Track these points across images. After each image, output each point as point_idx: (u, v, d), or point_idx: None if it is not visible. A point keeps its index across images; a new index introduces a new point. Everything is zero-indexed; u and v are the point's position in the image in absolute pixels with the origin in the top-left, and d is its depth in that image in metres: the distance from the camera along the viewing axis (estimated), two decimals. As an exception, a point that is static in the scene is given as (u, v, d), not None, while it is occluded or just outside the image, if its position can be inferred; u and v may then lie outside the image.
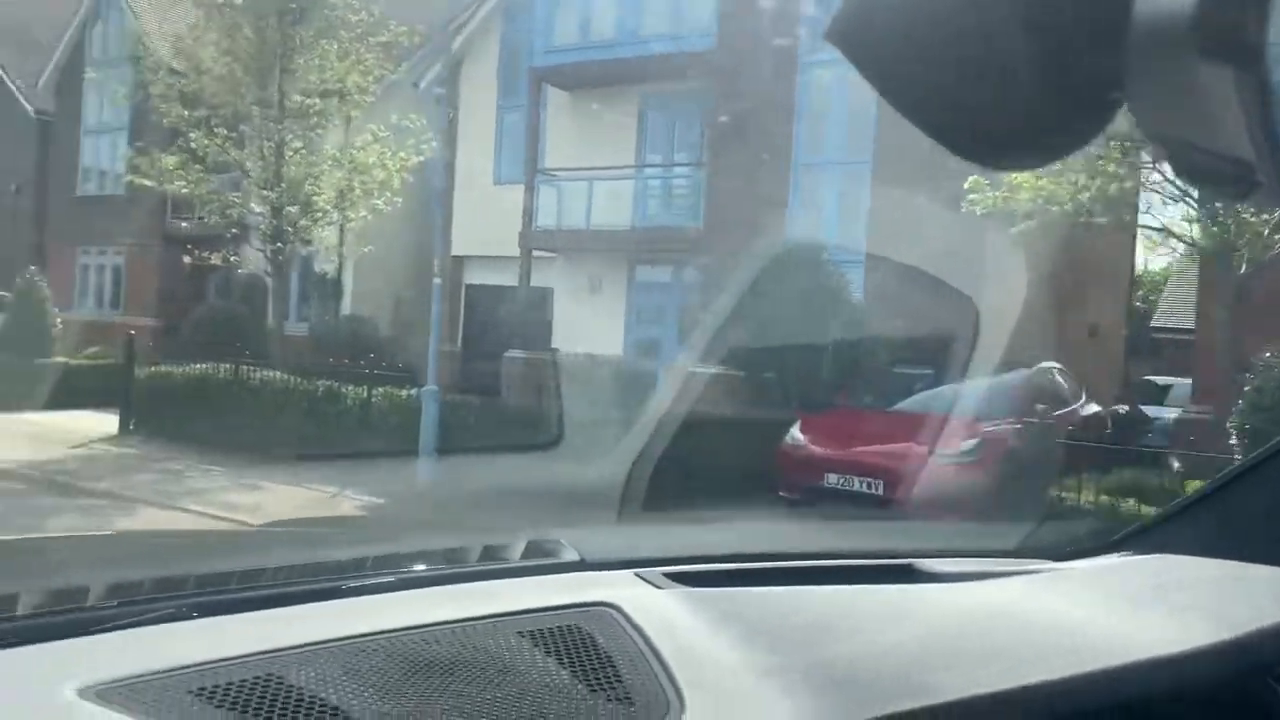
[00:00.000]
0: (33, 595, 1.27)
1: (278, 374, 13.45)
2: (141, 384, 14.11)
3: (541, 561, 1.65)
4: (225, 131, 14.66)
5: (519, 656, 1.28)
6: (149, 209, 23.87)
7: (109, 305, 24.53)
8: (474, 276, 21.70)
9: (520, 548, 1.72)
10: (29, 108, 27.52)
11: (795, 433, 9.41)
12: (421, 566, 1.60)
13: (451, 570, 1.61)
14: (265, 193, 14.20)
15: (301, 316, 22.32)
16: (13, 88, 27.78)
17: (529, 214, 19.06)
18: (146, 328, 23.65)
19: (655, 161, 18.91)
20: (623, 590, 1.49)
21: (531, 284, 19.34)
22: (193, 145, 14.61)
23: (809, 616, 1.54)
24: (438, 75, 20.43)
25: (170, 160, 14.44)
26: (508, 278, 19.84)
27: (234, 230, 16.37)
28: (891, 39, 0.68)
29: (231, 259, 23.25)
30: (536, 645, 1.31)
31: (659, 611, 1.44)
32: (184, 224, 23.61)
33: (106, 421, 14.50)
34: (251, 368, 13.78)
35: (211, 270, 24.47)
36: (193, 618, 1.21)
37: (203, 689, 1.07)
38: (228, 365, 13.80)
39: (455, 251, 21.88)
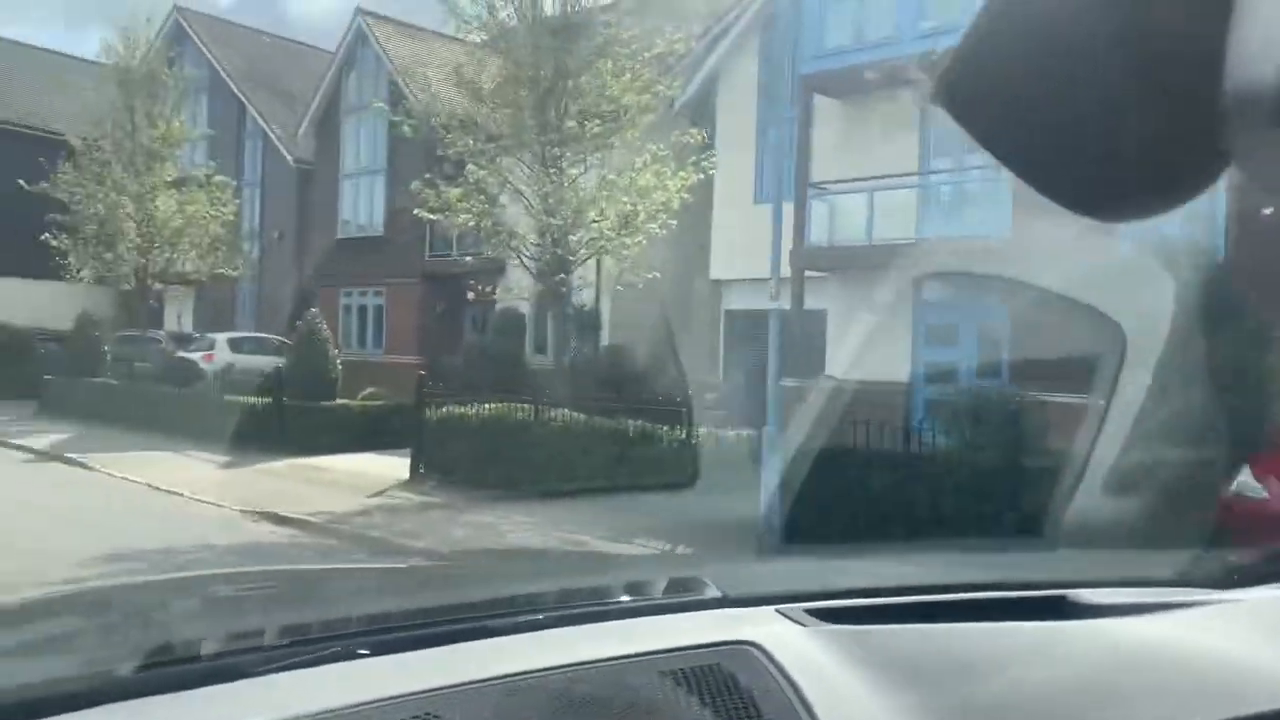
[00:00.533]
0: (213, 639, 1.32)
1: (570, 412, 12.51)
2: (429, 425, 13.50)
3: (683, 599, 1.64)
4: (504, 160, 13.98)
5: (663, 696, 1.29)
6: (408, 247, 24.02)
7: (371, 345, 24.79)
8: (734, 301, 20.49)
9: (662, 585, 1.76)
10: (289, 157, 28.49)
11: (1248, 481, 7.47)
12: (568, 604, 1.63)
13: (596, 608, 1.60)
14: (551, 220, 13.38)
15: (559, 350, 21.71)
16: (274, 139, 28.87)
17: (800, 231, 17.67)
18: (408, 366, 23.76)
19: (944, 167, 17.12)
20: (764, 628, 1.48)
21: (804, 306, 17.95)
22: (472, 176, 14.01)
23: (958, 654, 1.50)
24: (696, 90, 19.53)
25: (455, 192, 13.86)
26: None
27: (504, 262, 15.74)
28: (997, 97, 0.71)
29: (490, 293, 23.05)
30: (679, 685, 1.31)
31: (801, 650, 1.42)
32: (442, 261, 23.59)
33: (396, 466, 14.03)
34: (545, 405, 12.90)
35: (469, 306, 24.39)
36: (358, 657, 1.26)
37: None
38: (524, 404, 12.97)
39: (714, 275, 20.84)
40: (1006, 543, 7.93)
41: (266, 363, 23.17)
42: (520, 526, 10.28)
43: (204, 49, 29.93)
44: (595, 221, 13.91)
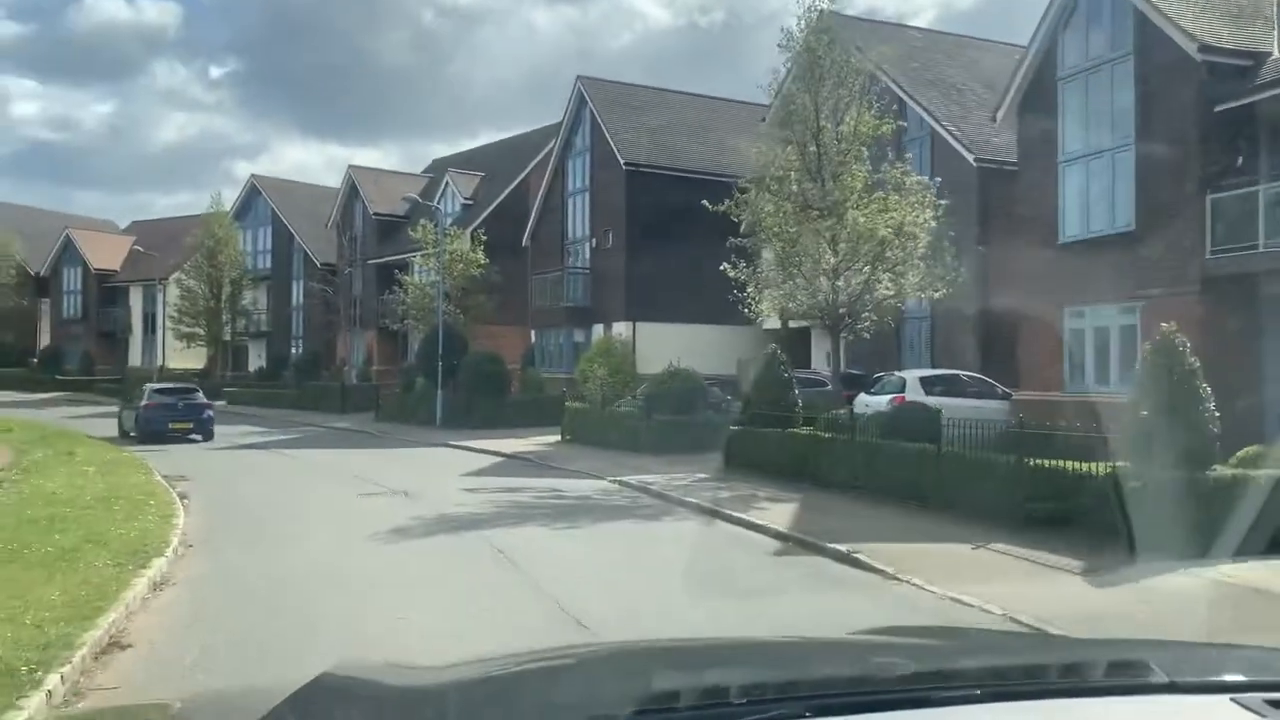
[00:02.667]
0: (689, 691, 1.42)
1: None
2: None
3: (1125, 682, 1.51)
4: None
5: None
6: (1177, 244, 16.95)
7: (1118, 380, 17.98)
8: None
9: (1103, 667, 1.62)
10: (969, 156, 22.93)
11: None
12: (1002, 681, 1.55)
13: (1031, 686, 1.53)
14: None
15: None
16: (949, 137, 23.51)
17: None
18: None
19: None
20: (1219, 716, 1.36)
21: None
22: None
23: None
24: None
25: None
26: None
27: None
28: None
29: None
30: None
31: None
32: (1237, 257, 16.16)
33: None
34: None
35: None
36: (806, 717, 1.32)
37: None
38: None
39: None
40: None
41: (968, 407, 17.58)
42: None
43: (853, 48, 25.62)
44: None
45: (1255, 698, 1.40)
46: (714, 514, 13.36)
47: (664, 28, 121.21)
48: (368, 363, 43.23)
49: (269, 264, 52.13)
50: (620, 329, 31.19)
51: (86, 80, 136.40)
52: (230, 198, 52.59)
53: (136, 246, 56.17)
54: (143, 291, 56.22)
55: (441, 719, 1.57)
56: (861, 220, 16.96)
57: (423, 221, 34.31)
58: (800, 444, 16.37)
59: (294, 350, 50.07)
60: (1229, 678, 1.53)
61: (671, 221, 30.64)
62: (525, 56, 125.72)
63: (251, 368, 52.17)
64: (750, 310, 19.20)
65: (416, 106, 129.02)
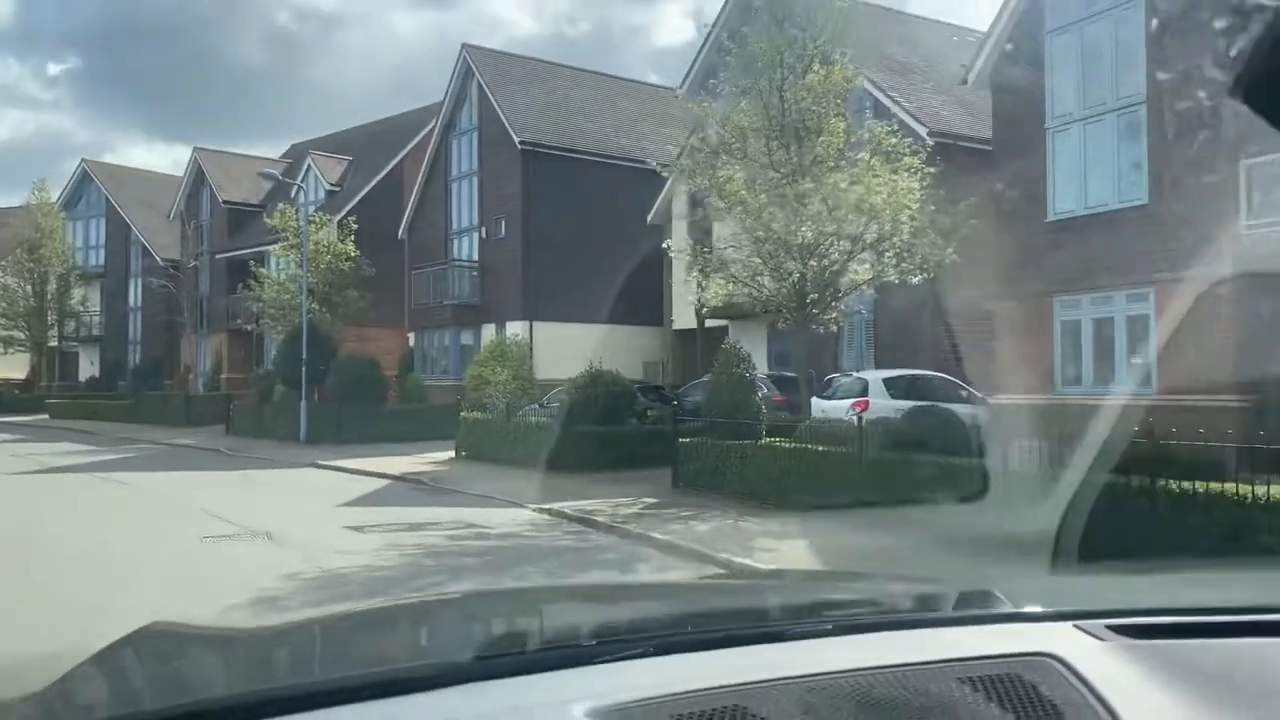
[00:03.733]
0: (537, 635, 1.44)
1: None
2: None
3: (975, 611, 1.56)
4: None
5: (960, 702, 1.23)
6: (1200, 220, 14.39)
7: (1131, 378, 15.30)
8: None
9: (953, 598, 1.67)
10: (923, 129, 20.11)
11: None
12: (857, 615, 1.60)
13: (885, 617, 1.56)
14: None
15: None
16: (903, 112, 20.67)
17: None
18: (1213, 410, 13.95)
19: None
20: (1062, 641, 1.38)
21: None
22: None
23: (1269, 669, 1.36)
24: None
25: None
26: None
27: None
28: None
29: None
30: (977, 692, 1.24)
31: (1104, 664, 1.32)
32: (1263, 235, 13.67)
33: None
34: None
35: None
36: (657, 654, 1.29)
37: (680, 716, 1.14)
38: None
39: None
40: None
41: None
42: None
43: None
44: None
45: (1097, 624, 1.41)
46: (705, 558, 9.78)
47: (530, 35, 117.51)
48: (217, 370, 37.85)
49: (103, 260, 45.80)
50: (515, 329, 27.32)
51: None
52: (60, 190, 46.01)
53: (-57, 240, 48.65)
54: (-49, 291, 48.72)
55: (276, 668, 1.42)
56: (845, 186, 13.71)
57: (281, 206, 29.57)
58: (781, 459, 12.98)
59: (132, 357, 43.95)
60: (1071, 606, 1.52)
61: (572, 209, 27.10)
62: (389, 61, 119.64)
63: (83, 376, 45.68)
64: (697, 299, 15.73)
65: (272, 110, 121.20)
